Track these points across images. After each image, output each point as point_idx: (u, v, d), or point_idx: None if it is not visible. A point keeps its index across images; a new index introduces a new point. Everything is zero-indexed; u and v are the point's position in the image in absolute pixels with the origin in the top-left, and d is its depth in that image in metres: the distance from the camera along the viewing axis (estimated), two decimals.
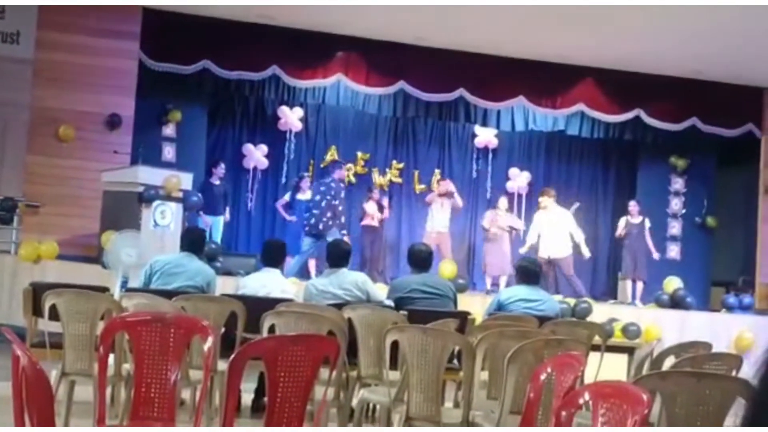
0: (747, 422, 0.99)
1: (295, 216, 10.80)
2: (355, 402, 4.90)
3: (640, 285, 11.04)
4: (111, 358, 4.30)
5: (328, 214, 9.51)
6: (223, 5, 9.88)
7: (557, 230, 10.53)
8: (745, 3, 8.27)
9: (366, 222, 11.41)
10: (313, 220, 9.50)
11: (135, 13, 10.02)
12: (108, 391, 4.67)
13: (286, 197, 11.19)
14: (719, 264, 12.15)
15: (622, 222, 11.23)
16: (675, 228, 12.26)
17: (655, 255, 11.11)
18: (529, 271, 6.25)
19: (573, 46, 10.34)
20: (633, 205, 11.21)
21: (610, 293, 12.07)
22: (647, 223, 11.15)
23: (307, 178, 11.31)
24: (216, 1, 9.76)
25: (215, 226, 10.75)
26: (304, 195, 10.84)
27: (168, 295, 5.09)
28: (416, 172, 12.76)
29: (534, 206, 12.16)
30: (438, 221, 11.11)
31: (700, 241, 12.23)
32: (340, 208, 9.72)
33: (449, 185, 11.46)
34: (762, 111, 11.69)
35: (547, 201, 10.57)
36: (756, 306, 10.73)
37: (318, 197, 9.61)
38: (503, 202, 11.28)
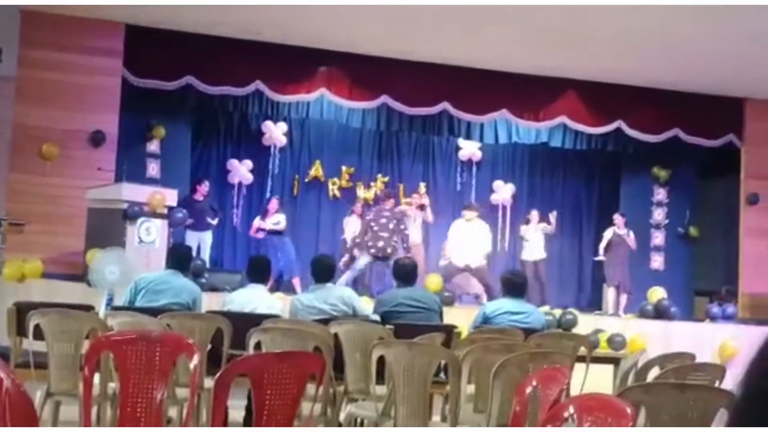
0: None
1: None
2: (342, 417, 4.90)
3: (625, 296, 11.12)
4: (97, 377, 4.30)
5: (394, 239, 9.74)
6: (206, 21, 9.90)
7: (473, 241, 10.58)
8: (724, 14, 8.37)
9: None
10: (381, 243, 9.68)
11: (118, 30, 10.02)
12: (94, 410, 4.64)
13: (257, 223, 11.19)
14: (702, 274, 12.23)
15: (608, 233, 11.31)
16: (658, 238, 12.35)
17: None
18: (515, 284, 6.27)
19: (554, 59, 10.43)
20: (618, 218, 11.32)
21: (595, 304, 12.13)
22: (632, 235, 11.25)
23: (275, 200, 11.30)
24: (198, 17, 9.79)
25: (203, 242, 10.73)
26: (271, 218, 10.98)
27: (153, 312, 5.07)
28: (401, 186, 12.79)
29: (519, 219, 12.24)
30: (412, 234, 11.14)
31: (683, 251, 12.32)
32: (407, 233, 10.01)
33: (423, 198, 11.53)
34: (742, 121, 11.82)
35: (471, 215, 10.65)
36: (739, 315, 10.82)
37: (384, 221, 9.79)
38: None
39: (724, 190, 12.30)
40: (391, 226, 9.75)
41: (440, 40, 10.03)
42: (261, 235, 11.15)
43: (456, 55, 10.66)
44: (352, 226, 11.37)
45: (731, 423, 1.00)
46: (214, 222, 10.98)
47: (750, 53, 9.67)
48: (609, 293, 11.20)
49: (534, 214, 11.68)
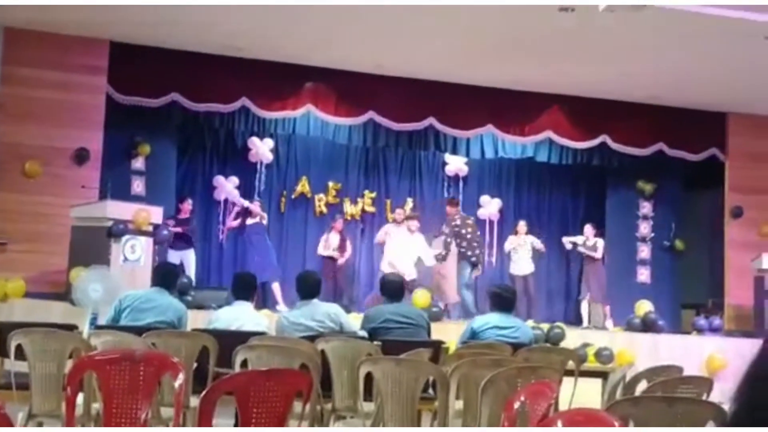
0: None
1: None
2: None
3: (607, 308, 11.12)
4: (80, 397, 4.24)
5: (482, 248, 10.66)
6: (191, 38, 9.89)
7: (409, 251, 10.78)
8: (707, 30, 8.45)
9: (327, 253, 11.30)
10: (478, 251, 10.84)
11: (102, 48, 9.99)
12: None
13: (234, 223, 11.21)
14: (688, 287, 12.28)
15: (579, 240, 11.37)
16: (644, 252, 12.39)
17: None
18: (503, 298, 6.26)
19: (539, 74, 10.49)
20: (588, 228, 11.45)
21: (582, 318, 12.13)
22: (600, 245, 11.24)
23: (257, 202, 11.36)
24: (183, 35, 9.78)
25: (187, 260, 10.67)
26: (254, 219, 11.11)
27: (138, 331, 5.02)
28: (388, 201, 12.78)
29: (506, 233, 12.25)
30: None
31: (669, 265, 12.36)
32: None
33: (404, 213, 11.56)
34: (725, 135, 11.91)
35: (414, 225, 10.93)
36: (725, 327, 10.85)
37: (470, 229, 10.82)
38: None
39: (708, 204, 12.37)
40: (478, 234, 10.68)
41: (426, 56, 10.07)
42: (235, 223, 11.23)
43: (442, 71, 10.70)
44: (332, 242, 11.29)
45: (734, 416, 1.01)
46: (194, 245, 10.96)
47: (732, 68, 9.76)
48: (583, 306, 11.17)
49: (521, 225, 11.67)
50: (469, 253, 10.64)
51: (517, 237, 11.59)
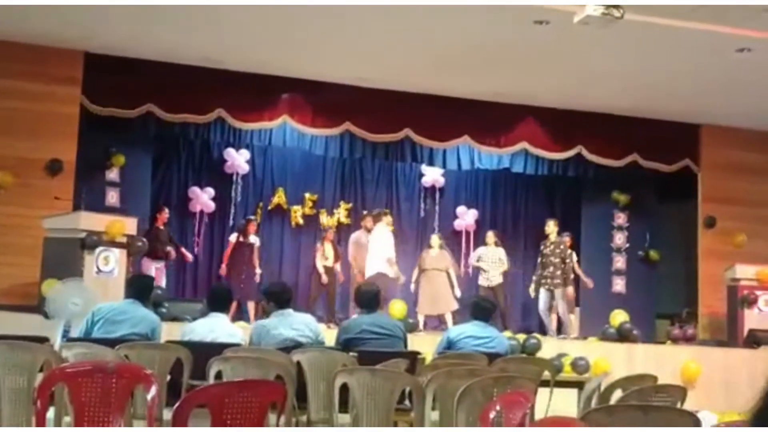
0: None
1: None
2: None
3: (571, 317, 11.07)
4: (52, 411, 4.17)
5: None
6: (166, 49, 9.85)
7: (377, 251, 10.66)
8: (681, 43, 8.56)
9: (326, 263, 11.21)
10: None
11: (76, 58, 9.92)
12: None
13: (233, 239, 11.06)
14: (663, 296, 12.37)
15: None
16: (619, 262, 12.46)
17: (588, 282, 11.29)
18: (480, 308, 6.28)
19: (514, 86, 10.56)
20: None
21: (558, 328, 12.15)
22: (574, 257, 11.20)
23: (254, 222, 11.24)
24: (159, 45, 9.73)
25: (160, 271, 10.59)
26: (252, 239, 10.88)
27: (111, 343, 4.96)
28: (365, 213, 12.75)
29: (482, 244, 12.27)
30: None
31: (644, 275, 12.44)
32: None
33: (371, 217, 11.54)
34: (698, 146, 12.05)
35: (389, 221, 10.92)
36: (699, 337, 10.94)
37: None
38: (435, 240, 11.27)
39: (682, 214, 12.49)
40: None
41: (402, 68, 10.10)
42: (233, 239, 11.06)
43: (418, 83, 10.73)
44: (328, 253, 11.19)
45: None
46: (170, 255, 10.83)
47: (705, 80, 9.88)
48: (552, 317, 11.13)
49: (490, 236, 11.57)
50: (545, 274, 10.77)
51: (486, 248, 11.55)
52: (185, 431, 2.99)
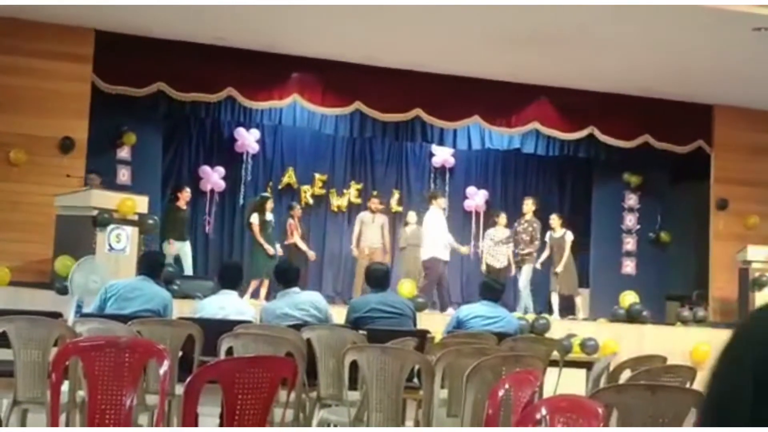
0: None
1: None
2: (315, 423, 4.87)
3: (579, 300, 11.10)
4: (66, 385, 4.23)
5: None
6: (177, 27, 9.84)
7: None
8: (695, 22, 8.47)
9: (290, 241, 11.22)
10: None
11: (87, 36, 9.92)
12: (63, 418, 4.57)
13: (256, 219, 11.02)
14: (674, 278, 12.33)
15: (547, 238, 11.32)
16: (630, 243, 12.43)
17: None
18: (490, 288, 6.31)
19: (526, 65, 10.49)
20: (554, 218, 11.31)
21: (569, 309, 12.16)
22: (569, 237, 11.19)
23: (270, 200, 11.23)
24: (169, 24, 9.72)
25: (183, 251, 10.60)
26: (269, 216, 10.88)
27: (123, 319, 5.01)
28: (375, 193, 12.76)
29: (490, 224, 12.26)
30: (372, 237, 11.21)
31: (655, 256, 12.40)
32: None
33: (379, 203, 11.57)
34: (711, 127, 11.96)
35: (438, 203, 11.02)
36: (710, 319, 10.92)
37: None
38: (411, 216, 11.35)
39: (694, 196, 12.43)
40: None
41: (413, 47, 10.05)
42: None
43: (429, 62, 10.69)
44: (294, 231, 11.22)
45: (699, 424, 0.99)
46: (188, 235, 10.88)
47: (719, 60, 9.80)
48: (553, 298, 11.09)
49: (502, 217, 11.50)
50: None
51: (496, 229, 11.52)
52: (191, 431, 3.01)
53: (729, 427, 0.93)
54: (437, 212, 10.80)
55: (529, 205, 11.26)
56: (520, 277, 11.08)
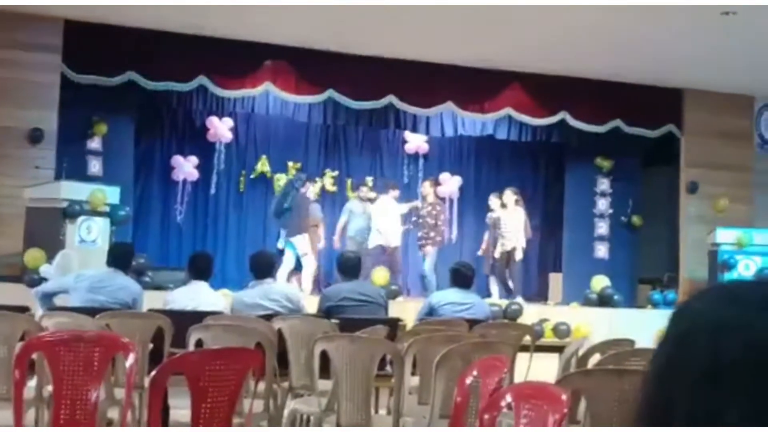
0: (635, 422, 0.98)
1: None
2: (285, 413, 4.88)
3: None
4: (35, 380, 4.20)
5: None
6: (148, 16, 9.73)
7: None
8: (660, 3, 8.50)
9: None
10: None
11: (56, 26, 9.78)
12: (32, 414, 4.54)
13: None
14: (645, 262, 12.45)
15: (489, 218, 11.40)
16: (602, 228, 12.51)
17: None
18: (461, 275, 6.33)
19: (497, 51, 10.50)
20: (509, 194, 11.21)
21: (542, 294, 12.26)
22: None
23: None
24: (140, 12, 9.60)
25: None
26: None
27: (92, 312, 4.98)
28: (349, 180, 12.75)
29: (466, 211, 12.32)
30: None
31: (627, 240, 12.51)
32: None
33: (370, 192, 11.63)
34: (681, 111, 12.05)
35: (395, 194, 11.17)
36: (680, 301, 11.03)
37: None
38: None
39: (665, 180, 12.54)
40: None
41: (384, 34, 10.03)
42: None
43: (401, 49, 10.67)
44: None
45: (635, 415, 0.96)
46: None
47: (689, 44, 9.86)
48: (492, 281, 11.09)
49: (508, 195, 11.19)
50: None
51: (507, 210, 11.24)
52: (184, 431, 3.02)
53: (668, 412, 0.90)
54: (390, 201, 10.90)
55: (426, 188, 11.50)
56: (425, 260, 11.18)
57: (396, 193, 11.21)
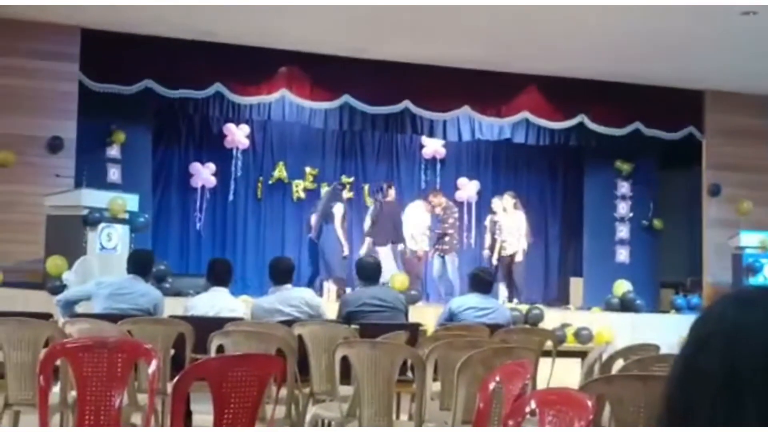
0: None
1: None
2: (307, 419, 4.86)
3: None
4: (58, 386, 4.22)
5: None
6: (164, 24, 9.78)
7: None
8: (680, 4, 8.43)
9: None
10: None
11: (73, 34, 9.86)
12: (56, 419, 4.56)
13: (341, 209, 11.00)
14: (667, 266, 12.33)
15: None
16: (623, 232, 12.42)
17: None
18: (481, 280, 6.29)
19: (514, 54, 10.46)
20: (507, 198, 11.28)
21: (563, 299, 12.18)
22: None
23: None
24: (155, 20, 9.65)
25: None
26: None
27: (113, 319, 4.99)
28: (366, 186, 12.74)
29: (484, 215, 12.26)
30: None
31: (648, 244, 12.40)
32: None
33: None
34: (702, 113, 11.94)
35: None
36: (704, 306, 10.92)
37: None
38: None
39: (686, 182, 12.43)
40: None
41: (399, 38, 10.01)
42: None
43: (416, 53, 10.65)
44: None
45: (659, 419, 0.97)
46: None
47: (709, 45, 9.78)
48: (498, 286, 10.93)
49: (507, 199, 11.28)
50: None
51: (506, 213, 11.26)
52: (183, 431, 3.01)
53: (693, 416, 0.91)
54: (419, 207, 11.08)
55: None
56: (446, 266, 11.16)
57: (392, 192, 11.26)
